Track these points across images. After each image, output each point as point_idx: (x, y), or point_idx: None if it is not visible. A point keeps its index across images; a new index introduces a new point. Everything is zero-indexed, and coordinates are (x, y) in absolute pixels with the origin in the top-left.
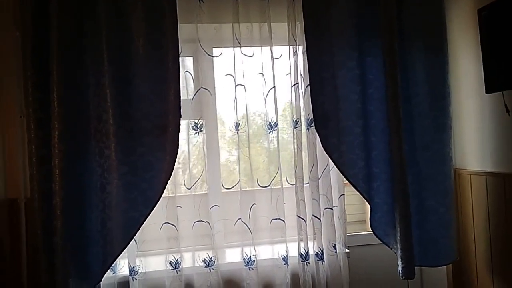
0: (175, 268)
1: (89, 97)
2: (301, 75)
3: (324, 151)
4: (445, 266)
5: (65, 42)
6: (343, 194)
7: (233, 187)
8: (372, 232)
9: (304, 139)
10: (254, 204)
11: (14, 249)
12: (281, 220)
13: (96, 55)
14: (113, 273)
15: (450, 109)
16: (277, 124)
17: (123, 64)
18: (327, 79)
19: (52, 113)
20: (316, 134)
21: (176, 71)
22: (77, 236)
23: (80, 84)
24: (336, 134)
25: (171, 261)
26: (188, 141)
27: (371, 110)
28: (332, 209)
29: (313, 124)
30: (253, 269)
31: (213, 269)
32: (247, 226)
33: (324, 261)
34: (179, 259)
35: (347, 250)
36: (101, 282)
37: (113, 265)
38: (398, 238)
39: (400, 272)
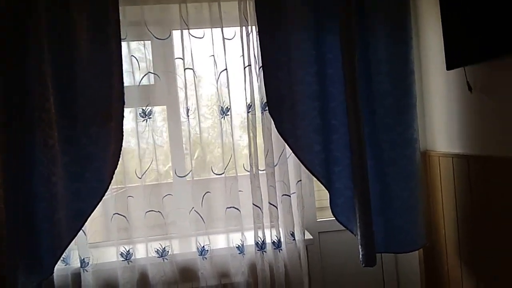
0: (126, 259)
1: (31, 86)
2: (254, 56)
3: (279, 136)
4: (417, 252)
5: (4, 27)
6: (300, 180)
7: (186, 175)
8: None
9: (259, 124)
10: (208, 192)
11: None
12: (236, 208)
13: (36, 40)
14: (65, 265)
15: (414, 87)
16: (229, 108)
17: (64, 50)
18: (280, 60)
19: None
20: (271, 118)
21: (118, 56)
22: (25, 229)
23: (22, 72)
24: (291, 118)
25: (121, 252)
26: (137, 129)
27: (332, 91)
28: (289, 196)
29: (267, 108)
30: (206, 258)
31: (167, 259)
32: (200, 215)
33: (281, 249)
34: (130, 250)
35: (309, 237)
36: (54, 274)
37: (65, 257)
38: (358, 224)
39: (361, 259)
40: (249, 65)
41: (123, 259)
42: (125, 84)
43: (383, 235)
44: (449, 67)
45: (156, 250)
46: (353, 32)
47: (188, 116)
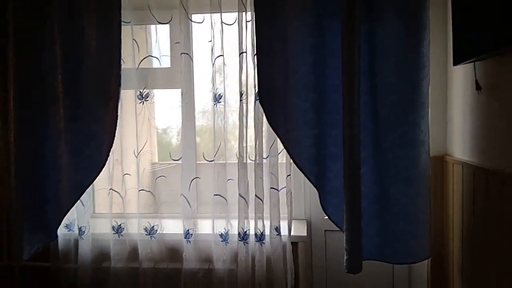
0: (117, 233)
1: (42, 64)
2: (252, 44)
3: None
4: (426, 264)
5: (21, 10)
6: (290, 175)
7: (179, 159)
8: None
9: (251, 113)
10: (197, 178)
11: None
12: (221, 196)
13: (50, 24)
14: (68, 231)
15: (425, 84)
16: (221, 96)
17: (73, 33)
18: (275, 47)
19: (7, 79)
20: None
21: (118, 39)
22: (34, 195)
23: (34, 52)
24: (283, 109)
25: (113, 226)
26: (136, 110)
27: (334, 84)
28: (277, 190)
29: (258, 98)
30: (190, 242)
31: (155, 238)
32: (186, 199)
33: (264, 243)
34: (122, 225)
35: (301, 234)
36: (60, 238)
37: (69, 223)
38: (344, 227)
39: (344, 264)
40: (245, 52)
41: (114, 232)
42: (127, 67)
43: (378, 241)
44: (456, 61)
45: (144, 227)
46: (355, 17)
47: (183, 101)
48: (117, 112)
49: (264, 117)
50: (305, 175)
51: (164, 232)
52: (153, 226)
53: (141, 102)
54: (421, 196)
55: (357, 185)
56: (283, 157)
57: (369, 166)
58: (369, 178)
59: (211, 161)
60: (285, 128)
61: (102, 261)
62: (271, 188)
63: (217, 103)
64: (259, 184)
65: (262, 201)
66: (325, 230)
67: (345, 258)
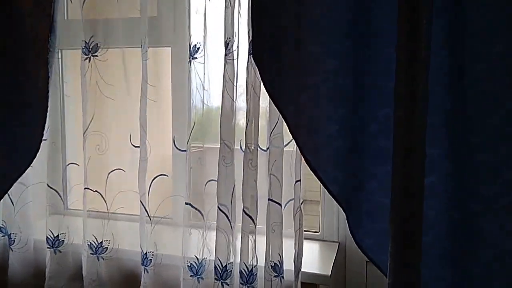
0: (52, 247)
1: None
2: None
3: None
4: None
5: None
6: (299, 180)
7: (138, 146)
8: None
9: (242, 75)
10: (163, 175)
11: None
12: (193, 207)
13: None
14: (3, 236)
15: None
16: (199, 48)
17: None
18: None
19: None
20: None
21: None
22: None
23: None
24: (292, 68)
25: (48, 237)
26: (82, 69)
27: (382, 28)
28: (280, 204)
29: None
30: (148, 272)
31: (102, 259)
32: (145, 208)
33: (254, 287)
34: (60, 236)
35: (322, 272)
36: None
37: (3, 226)
38: (388, 277)
39: None
40: None
41: (49, 246)
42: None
43: None
44: None
45: (89, 243)
46: None
47: (144, 56)
48: (47, 70)
49: (262, 84)
50: (324, 185)
51: (118, 247)
52: (101, 242)
53: (86, 58)
54: None
55: (417, 205)
56: (290, 149)
57: (442, 172)
58: (441, 194)
59: (183, 150)
60: (295, 101)
61: (39, 282)
62: (269, 200)
63: (193, 60)
64: (250, 192)
65: (254, 220)
66: (367, 261)
67: None
